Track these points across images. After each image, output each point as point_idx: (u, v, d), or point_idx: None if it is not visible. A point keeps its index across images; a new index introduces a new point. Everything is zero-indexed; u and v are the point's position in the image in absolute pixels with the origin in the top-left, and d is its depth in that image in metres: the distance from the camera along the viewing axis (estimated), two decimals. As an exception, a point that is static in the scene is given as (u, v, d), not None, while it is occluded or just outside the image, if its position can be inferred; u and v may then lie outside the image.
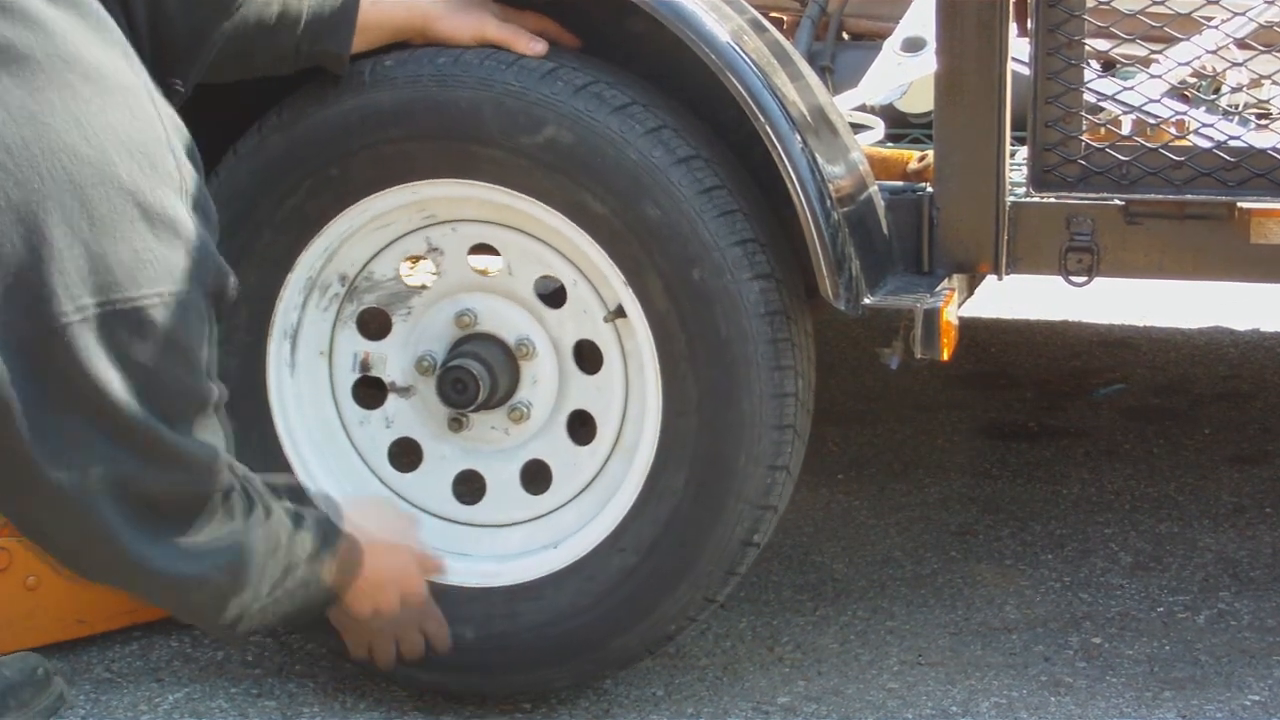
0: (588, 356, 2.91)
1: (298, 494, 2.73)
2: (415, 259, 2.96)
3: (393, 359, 2.98)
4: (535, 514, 2.96)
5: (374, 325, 2.99)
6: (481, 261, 2.97)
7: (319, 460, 3.00)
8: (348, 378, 3.00)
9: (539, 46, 2.80)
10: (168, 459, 2.32)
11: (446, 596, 2.92)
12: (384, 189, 2.83)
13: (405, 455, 3.02)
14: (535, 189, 2.77)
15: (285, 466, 2.97)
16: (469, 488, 3.00)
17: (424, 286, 2.96)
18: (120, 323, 2.24)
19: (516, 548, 2.96)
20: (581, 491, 2.93)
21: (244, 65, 2.75)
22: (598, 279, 2.85)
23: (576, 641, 2.89)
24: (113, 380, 2.24)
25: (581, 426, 2.93)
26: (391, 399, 2.99)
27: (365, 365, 2.99)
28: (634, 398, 2.87)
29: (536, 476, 2.96)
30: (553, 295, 2.91)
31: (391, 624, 2.80)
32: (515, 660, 2.92)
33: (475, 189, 2.82)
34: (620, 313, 2.83)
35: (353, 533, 2.66)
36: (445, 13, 2.82)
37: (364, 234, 2.91)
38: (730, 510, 2.79)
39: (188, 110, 2.65)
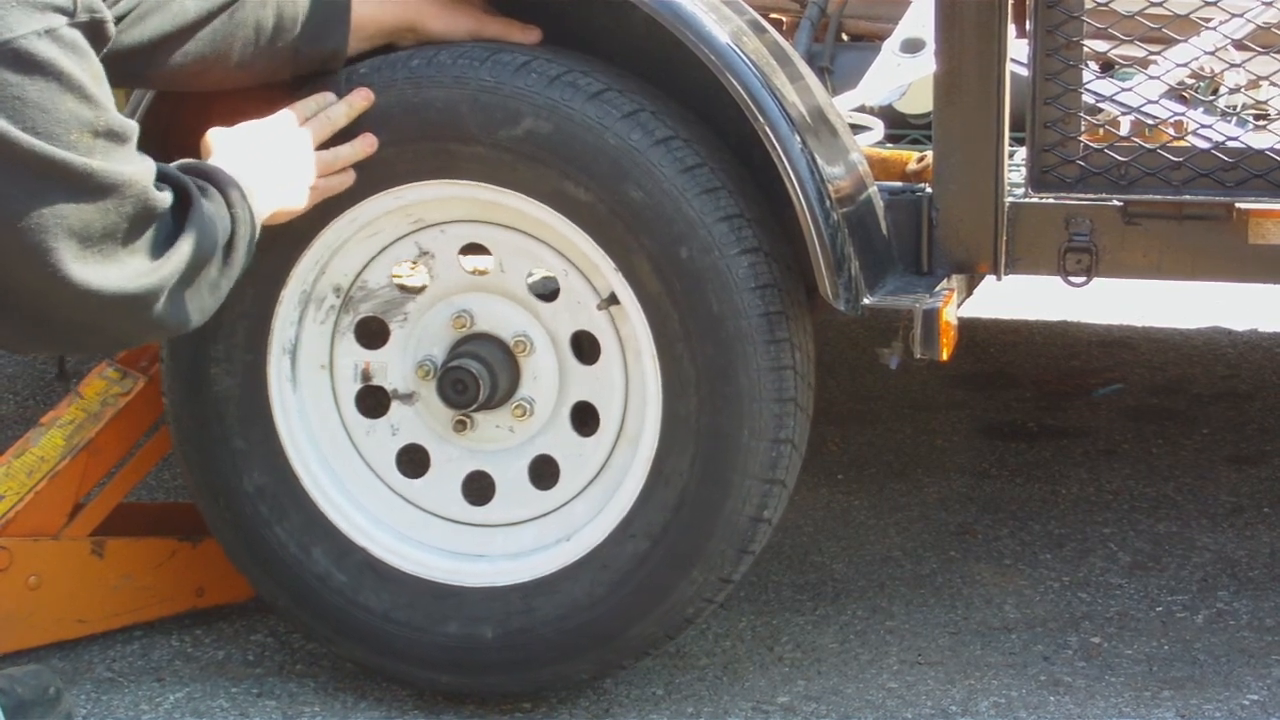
0: (586, 348, 2.92)
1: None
2: (415, 262, 2.96)
3: (393, 366, 2.98)
4: (546, 509, 2.97)
5: (372, 334, 2.99)
6: (472, 262, 2.98)
7: (327, 472, 3.00)
8: (350, 388, 3.00)
9: (534, 35, 2.81)
10: (93, 187, 2.26)
11: (464, 598, 2.94)
12: (369, 196, 2.83)
13: (413, 461, 3.03)
14: (518, 182, 2.78)
15: (293, 480, 2.98)
16: (478, 488, 3.01)
17: (422, 288, 2.96)
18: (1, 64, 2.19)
19: (529, 544, 2.96)
20: (590, 483, 2.94)
21: (245, 72, 2.73)
22: (588, 268, 2.85)
23: (595, 632, 2.90)
24: (4, 125, 2.19)
25: (585, 418, 2.94)
26: (395, 406, 2.99)
27: (366, 375, 2.99)
28: (634, 384, 2.88)
29: (544, 472, 2.97)
30: (546, 289, 2.92)
31: (305, 186, 2.70)
32: (536, 656, 2.93)
33: (460, 188, 2.83)
34: (613, 300, 2.84)
35: (244, 189, 2.53)
36: (438, 11, 2.82)
37: (354, 243, 2.92)
38: (737, 487, 2.80)
39: (170, 131, 2.65)
